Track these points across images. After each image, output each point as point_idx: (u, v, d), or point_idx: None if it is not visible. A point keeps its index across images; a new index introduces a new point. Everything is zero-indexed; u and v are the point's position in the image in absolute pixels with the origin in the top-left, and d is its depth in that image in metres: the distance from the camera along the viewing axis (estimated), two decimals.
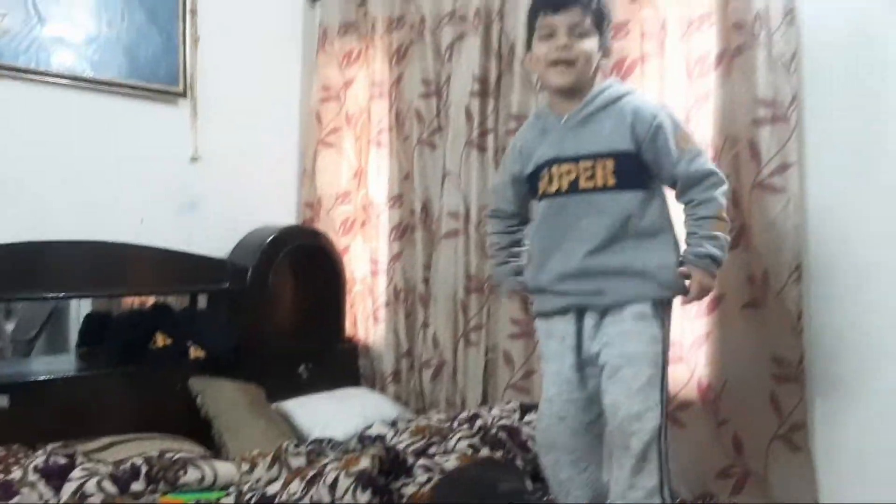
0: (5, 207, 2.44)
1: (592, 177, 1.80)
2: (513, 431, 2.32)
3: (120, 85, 2.69)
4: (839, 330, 2.19)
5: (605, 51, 1.87)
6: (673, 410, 2.33)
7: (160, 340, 2.69)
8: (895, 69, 2.10)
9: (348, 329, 3.19)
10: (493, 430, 2.30)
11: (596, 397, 1.82)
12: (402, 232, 3.02)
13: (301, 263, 3.04)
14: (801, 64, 2.20)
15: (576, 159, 1.81)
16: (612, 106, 1.81)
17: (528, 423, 2.37)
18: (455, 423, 2.41)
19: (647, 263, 1.78)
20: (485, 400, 2.73)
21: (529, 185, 1.94)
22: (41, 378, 2.46)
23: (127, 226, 2.69)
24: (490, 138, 2.76)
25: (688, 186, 1.80)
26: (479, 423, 2.37)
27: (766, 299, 2.21)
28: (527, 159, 1.92)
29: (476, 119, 2.77)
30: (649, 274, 1.78)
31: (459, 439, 2.26)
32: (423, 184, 2.94)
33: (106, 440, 2.30)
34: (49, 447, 2.12)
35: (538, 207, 1.93)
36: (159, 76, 2.79)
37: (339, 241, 3.18)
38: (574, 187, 1.81)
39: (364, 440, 2.45)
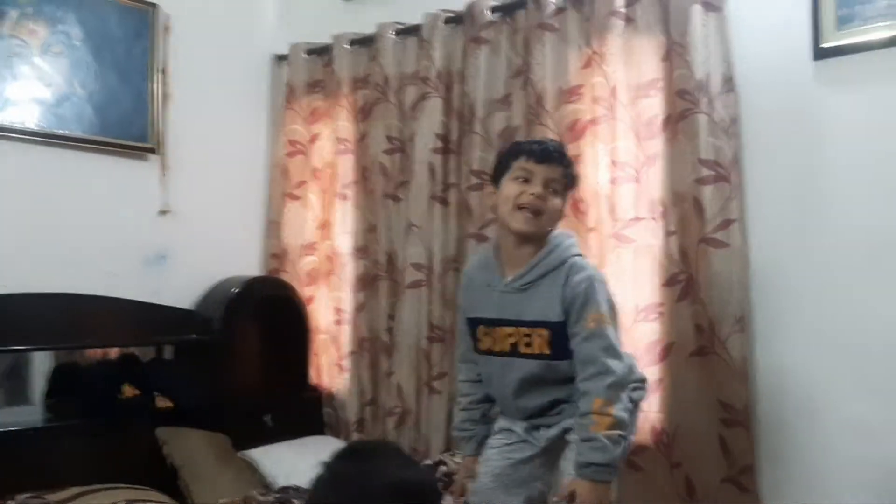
0: None
1: (530, 344, 1.86)
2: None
3: (91, 142, 2.76)
4: (782, 375, 2.32)
5: (565, 205, 1.94)
6: (630, 454, 2.43)
7: (127, 391, 2.72)
8: (825, 132, 2.27)
9: (313, 378, 3.25)
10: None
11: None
12: (366, 282, 3.10)
13: (267, 313, 3.11)
14: (741, 128, 2.37)
15: (516, 324, 1.87)
16: (553, 272, 1.85)
17: None
18: None
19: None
20: (448, 447, 2.79)
21: (469, 328, 2.00)
22: (9, 429, 2.47)
23: (97, 278, 2.74)
24: (453, 193, 2.87)
25: (582, 365, 1.81)
26: (442, 468, 2.44)
27: (713, 347, 2.33)
28: (469, 302, 2.00)
29: (439, 174, 2.88)
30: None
31: None
32: (387, 236, 3.04)
33: (74, 490, 2.32)
34: (19, 498, 2.16)
35: (481, 359, 1.99)
36: (130, 133, 2.87)
37: (304, 292, 3.25)
38: (514, 351, 1.88)
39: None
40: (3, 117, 2.56)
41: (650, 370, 2.43)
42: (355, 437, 3.06)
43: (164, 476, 2.56)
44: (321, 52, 3.29)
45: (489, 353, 1.94)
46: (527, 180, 1.84)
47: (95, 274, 2.75)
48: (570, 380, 1.83)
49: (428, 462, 2.54)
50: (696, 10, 2.36)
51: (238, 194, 3.27)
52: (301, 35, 3.34)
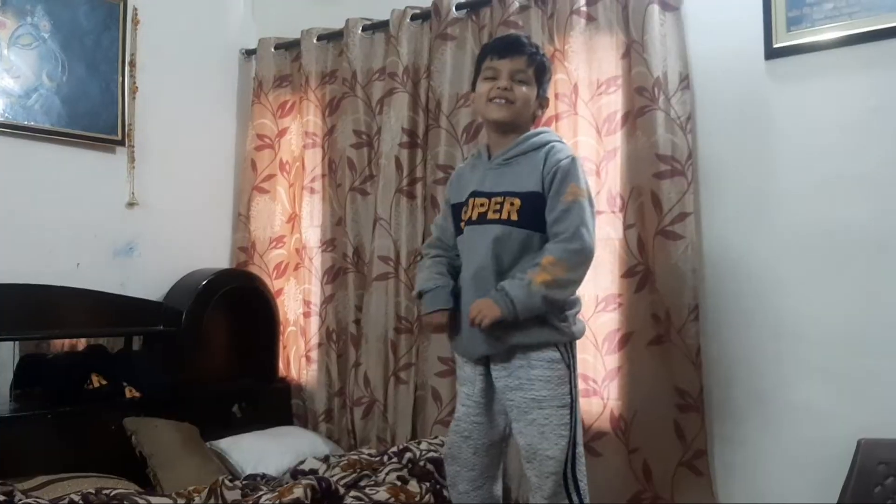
0: None
1: (499, 211, 1.92)
2: (439, 463, 2.45)
3: (59, 133, 2.77)
4: (732, 362, 2.41)
5: (542, 101, 2.03)
6: (588, 441, 2.50)
7: (95, 381, 2.74)
8: (776, 128, 2.36)
9: (281, 369, 3.29)
10: (422, 462, 2.43)
11: (498, 422, 2.02)
12: (334, 275, 3.15)
13: (235, 305, 3.14)
14: (696, 124, 2.45)
15: (490, 195, 1.96)
16: (535, 152, 1.94)
17: None
18: (385, 457, 2.54)
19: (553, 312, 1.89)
20: (414, 435, 2.84)
21: (453, 216, 2.08)
22: None
23: (65, 270, 2.75)
24: (419, 186, 2.92)
25: (551, 236, 1.88)
26: (408, 455, 2.50)
27: (670, 336, 2.41)
28: (457, 190, 2.09)
29: (405, 168, 2.93)
30: (550, 321, 1.89)
31: (389, 472, 2.39)
32: (355, 229, 3.08)
33: (42, 479, 2.33)
34: None
35: (459, 239, 2.06)
36: (98, 125, 2.88)
37: (272, 284, 3.29)
38: (482, 218, 1.95)
39: (297, 475, 2.54)
40: None
41: (610, 359, 2.51)
42: (323, 427, 3.11)
43: (133, 465, 2.58)
44: (289, 47, 3.33)
45: (466, 225, 2.00)
46: (494, 77, 1.96)
47: (63, 265, 2.77)
48: (523, 252, 1.90)
49: (393, 449, 2.59)
50: (654, 10, 2.44)
51: (206, 187, 3.30)
52: (270, 30, 3.37)
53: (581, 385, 2.49)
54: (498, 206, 1.93)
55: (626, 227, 2.48)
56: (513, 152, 1.96)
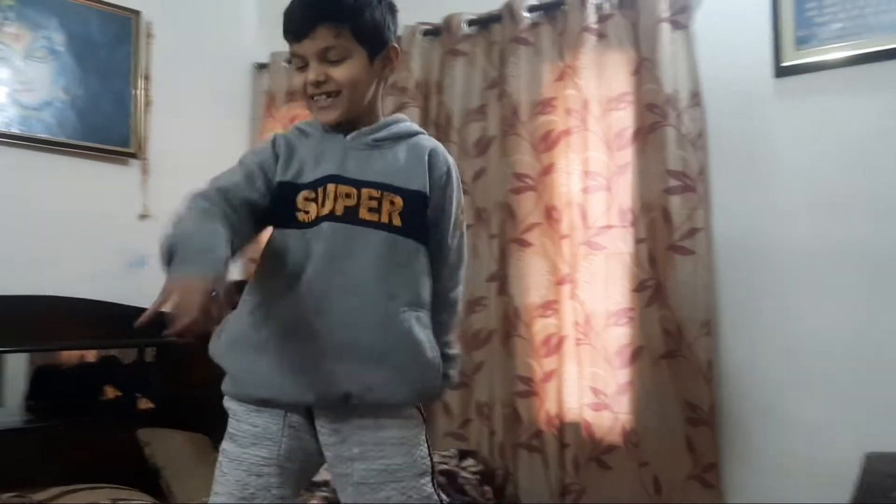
0: None
1: (376, 210, 1.43)
2: (451, 475, 2.47)
3: (73, 146, 2.80)
4: (744, 377, 2.43)
5: (382, 64, 1.48)
6: (599, 454, 2.53)
7: (109, 393, 2.76)
8: (784, 145, 2.39)
9: None
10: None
11: None
12: None
13: None
14: (707, 140, 2.48)
15: (358, 184, 1.43)
16: (408, 140, 1.51)
17: (465, 467, 2.54)
18: None
19: (426, 350, 1.45)
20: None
21: (279, 198, 1.45)
22: None
23: (78, 281, 2.77)
24: None
25: (452, 266, 1.54)
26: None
27: (681, 350, 2.43)
28: (286, 162, 1.47)
29: None
30: (429, 365, 1.45)
31: None
32: None
33: (55, 491, 2.35)
34: (2, 497, 2.19)
35: (279, 241, 1.45)
36: (112, 138, 2.91)
37: None
38: (351, 216, 1.42)
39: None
40: None
41: (621, 373, 2.53)
42: None
43: (146, 477, 2.59)
44: None
45: (315, 221, 1.41)
46: (304, 66, 1.44)
47: (77, 276, 2.78)
48: (409, 270, 1.45)
49: None
50: (665, 28, 2.47)
51: None
52: (282, 44, 3.36)
53: (592, 399, 2.54)
54: (374, 204, 1.43)
55: (637, 241, 2.50)
56: (383, 134, 1.48)
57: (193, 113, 3.19)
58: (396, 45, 1.52)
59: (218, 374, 1.37)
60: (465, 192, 2.76)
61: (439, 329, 1.52)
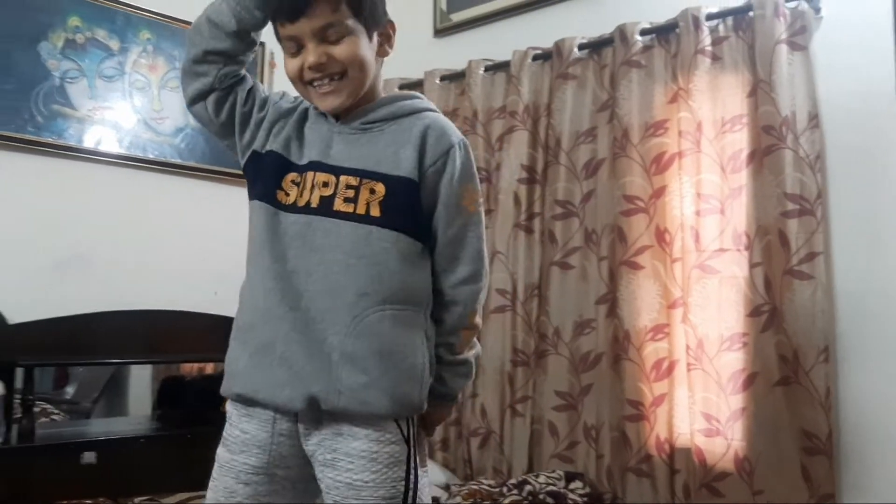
0: (90, 279, 2.71)
1: (353, 200, 1.32)
2: (558, 497, 2.48)
3: (202, 170, 2.98)
4: (864, 406, 2.34)
5: (380, 41, 1.38)
6: (710, 481, 2.49)
7: None
8: None
9: None
10: (541, 496, 2.47)
11: None
12: None
13: None
14: (825, 163, 2.42)
15: (337, 171, 1.33)
16: (407, 118, 1.37)
17: (573, 490, 2.55)
18: (504, 489, 2.58)
19: (418, 362, 1.34)
20: (530, 468, 2.87)
21: (264, 165, 1.40)
22: (125, 437, 2.67)
23: (201, 297, 2.93)
24: (537, 221, 2.97)
25: (449, 258, 1.39)
26: (527, 488, 2.53)
27: (797, 377, 2.37)
28: (279, 130, 1.40)
29: (524, 203, 2.99)
30: (408, 371, 1.33)
31: (509, 503, 2.43)
32: None
33: (183, 496, 2.48)
34: (136, 500, 2.33)
35: (257, 215, 1.40)
36: (235, 162, 3.05)
37: None
38: (326, 207, 1.32)
39: None
40: (126, 148, 2.78)
41: (734, 399, 2.49)
42: (439, 455, 3.17)
43: None
44: (412, 87, 3.45)
45: (288, 208, 1.34)
46: (300, 49, 1.32)
47: (201, 293, 2.94)
48: (386, 268, 1.32)
49: (512, 481, 2.63)
50: (782, 50, 2.43)
51: None
52: (393, 71, 3.51)
53: (704, 424, 2.50)
54: (351, 194, 1.32)
55: (752, 265, 2.46)
56: (375, 116, 1.37)
57: None
58: (392, 20, 1.40)
59: None
60: (572, 213, 2.83)
61: (439, 329, 1.39)
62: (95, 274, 2.71)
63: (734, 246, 2.52)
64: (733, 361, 2.50)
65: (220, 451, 1.41)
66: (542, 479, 2.62)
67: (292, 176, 1.36)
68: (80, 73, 2.70)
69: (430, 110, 1.40)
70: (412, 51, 3.52)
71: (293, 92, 1.46)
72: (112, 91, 2.78)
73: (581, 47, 2.90)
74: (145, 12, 2.85)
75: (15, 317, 2.42)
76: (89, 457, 2.47)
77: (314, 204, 1.32)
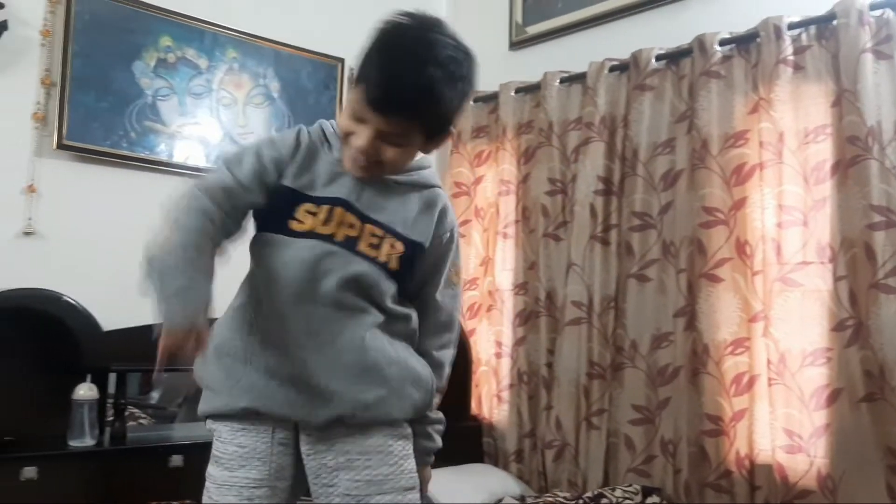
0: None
1: (377, 247, 1.43)
2: None
3: None
4: None
5: (434, 144, 1.48)
6: (792, 499, 2.44)
7: None
8: None
9: (474, 408, 3.40)
10: None
11: None
12: (526, 318, 3.24)
13: None
14: None
15: (364, 219, 1.43)
16: (426, 191, 1.51)
17: None
18: (580, 501, 2.57)
19: (418, 371, 1.49)
20: (606, 482, 2.85)
21: (274, 201, 1.42)
22: (209, 441, 2.74)
23: None
24: (613, 233, 2.96)
25: (441, 327, 1.55)
26: (603, 501, 2.53)
27: (884, 393, 2.29)
28: (300, 171, 1.43)
29: (600, 215, 2.98)
30: (421, 382, 1.49)
31: None
32: (547, 273, 3.16)
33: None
34: None
35: (262, 245, 1.45)
36: None
37: (465, 324, 3.43)
38: (350, 244, 1.41)
39: None
40: (213, 162, 2.89)
41: (817, 415, 2.43)
42: (514, 467, 3.18)
43: None
44: (488, 100, 3.49)
45: (303, 234, 1.40)
46: (361, 120, 1.36)
47: None
48: (402, 327, 1.48)
49: (588, 494, 2.62)
50: (867, 59, 2.38)
51: None
52: None
53: (785, 441, 2.45)
54: (376, 241, 1.42)
55: (837, 279, 2.40)
56: (402, 178, 1.47)
57: None
58: (454, 130, 1.54)
59: None
60: (650, 225, 2.82)
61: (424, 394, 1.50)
62: None
63: (818, 259, 2.46)
64: (816, 377, 2.44)
65: (214, 471, 1.44)
66: (618, 492, 2.61)
67: (307, 206, 1.41)
68: (170, 91, 2.82)
69: (438, 186, 1.55)
70: (487, 64, 3.52)
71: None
72: (200, 108, 2.89)
73: (659, 58, 2.88)
74: (232, 32, 2.96)
75: (109, 324, 2.53)
76: (177, 460, 2.56)
77: (338, 238, 1.40)
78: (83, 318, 2.45)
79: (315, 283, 1.38)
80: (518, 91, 3.36)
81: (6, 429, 2.34)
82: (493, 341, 3.39)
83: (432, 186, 1.52)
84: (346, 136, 1.39)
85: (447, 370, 1.57)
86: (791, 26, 2.55)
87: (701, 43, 2.73)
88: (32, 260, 2.53)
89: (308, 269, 1.38)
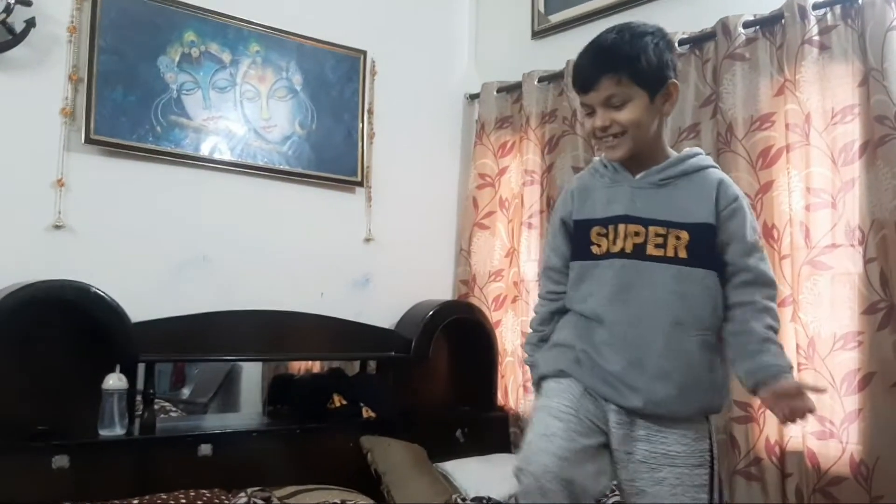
0: (206, 280, 2.84)
1: (662, 245, 1.61)
2: None
3: (309, 176, 3.09)
4: None
5: (662, 98, 1.64)
6: (825, 486, 2.40)
7: (336, 401, 2.98)
8: None
9: (500, 398, 3.40)
10: None
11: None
12: None
13: (458, 335, 3.31)
14: None
15: (646, 222, 1.62)
16: (696, 174, 1.66)
17: None
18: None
19: (718, 375, 1.67)
20: None
21: (576, 235, 1.73)
22: (238, 430, 2.78)
23: (308, 298, 3.04)
24: None
25: (754, 285, 1.64)
26: None
27: None
28: (581, 204, 1.73)
29: None
30: (710, 385, 1.66)
31: None
32: None
33: (292, 489, 2.57)
34: (249, 490, 2.43)
35: (578, 270, 1.72)
36: (341, 168, 3.18)
37: (491, 316, 3.42)
38: (639, 252, 1.62)
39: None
40: (238, 155, 2.92)
41: (849, 400, 2.39)
42: None
43: (363, 480, 2.77)
44: (511, 90, 3.48)
45: (604, 256, 1.65)
46: (592, 112, 1.64)
47: (307, 294, 3.06)
48: (696, 299, 1.61)
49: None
50: (894, 36, 2.33)
51: (433, 224, 3.52)
52: (492, 74, 3.55)
53: (816, 426, 2.41)
54: (661, 240, 1.60)
55: (867, 261, 2.36)
56: (670, 172, 1.65)
57: (411, 143, 3.41)
58: (676, 81, 1.67)
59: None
60: None
61: (748, 338, 1.62)
62: (211, 275, 2.84)
63: (847, 241, 2.42)
64: (847, 361, 2.40)
65: (540, 402, 1.71)
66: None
67: (597, 229, 1.66)
68: (195, 85, 2.85)
69: (714, 167, 1.70)
70: (511, 53, 3.57)
71: None
72: (224, 101, 2.92)
73: (682, 42, 2.85)
74: (255, 26, 2.98)
75: (137, 315, 2.56)
76: (206, 449, 2.59)
77: (628, 250, 1.62)
78: (111, 310, 2.48)
79: (640, 300, 1.61)
80: (541, 80, 3.35)
81: (39, 418, 2.37)
82: (519, 332, 3.37)
83: (703, 168, 1.66)
84: (591, 135, 1.67)
85: (776, 318, 1.64)
86: (816, 6, 2.51)
87: (724, 26, 2.69)
88: (62, 253, 2.56)
89: (621, 288, 1.63)
